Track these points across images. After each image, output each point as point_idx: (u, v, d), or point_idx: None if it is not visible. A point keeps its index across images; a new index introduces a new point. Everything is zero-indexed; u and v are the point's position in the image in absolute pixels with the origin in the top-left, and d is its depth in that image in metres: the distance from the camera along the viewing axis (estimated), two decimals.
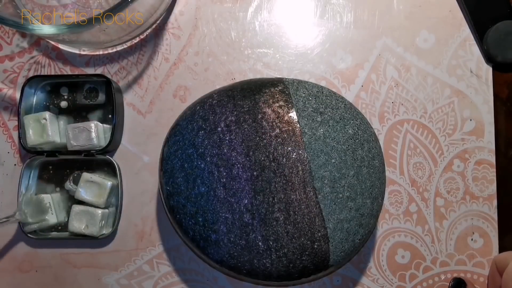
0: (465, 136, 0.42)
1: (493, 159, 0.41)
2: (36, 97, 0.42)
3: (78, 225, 0.39)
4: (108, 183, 0.40)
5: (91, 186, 0.40)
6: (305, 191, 0.34)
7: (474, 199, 0.41)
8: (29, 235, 0.40)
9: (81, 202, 0.40)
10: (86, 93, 0.42)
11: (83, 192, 0.40)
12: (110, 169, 0.41)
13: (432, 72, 0.42)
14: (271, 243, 0.33)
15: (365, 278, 0.41)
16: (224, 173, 0.34)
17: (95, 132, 0.40)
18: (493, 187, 0.41)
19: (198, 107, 0.36)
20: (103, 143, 0.40)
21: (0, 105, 0.43)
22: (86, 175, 0.40)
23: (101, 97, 0.42)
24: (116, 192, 0.41)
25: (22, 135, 0.40)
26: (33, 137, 0.40)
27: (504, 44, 0.41)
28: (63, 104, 0.42)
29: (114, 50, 0.43)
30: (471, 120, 0.42)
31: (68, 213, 0.40)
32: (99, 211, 0.39)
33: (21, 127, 0.40)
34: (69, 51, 0.43)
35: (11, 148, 0.43)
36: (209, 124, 0.35)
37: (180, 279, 0.41)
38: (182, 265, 0.41)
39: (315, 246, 0.34)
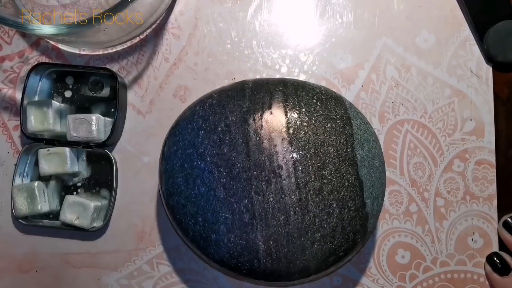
0: (465, 136, 0.42)
1: (493, 159, 0.41)
2: (41, 84, 0.42)
3: (69, 216, 0.39)
4: (92, 204, 0.39)
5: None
6: (305, 191, 0.33)
7: (474, 199, 0.41)
8: (20, 220, 0.40)
9: (74, 193, 0.41)
10: (91, 84, 0.42)
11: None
12: (107, 163, 0.41)
13: (432, 72, 0.42)
14: (271, 243, 0.33)
15: (365, 278, 0.41)
16: (224, 173, 0.34)
17: (96, 125, 0.40)
18: (493, 187, 0.41)
19: (198, 107, 0.36)
20: (103, 136, 0.40)
21: (0, 105, 0.43)
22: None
23: (106, 91, 0.42)
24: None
25: (23, 121, 0.40)
26: (34, 123, 0.40)
27: (504, 44, 0.41)
28: (68, 93, 0.42)
29: (114, 50, 0.43)
30: (471, 120, 0.42)
31: (61, 202, 0.41)
32: (92, 204, 0.39)
33: (23, 113, 0.40)
34: (69, 51, 0.43)
35: (11, 148, 0.43)
36: (209, 124, 0.35)
37: (180, 279, 0.41)
38: (182, 265, 0.41)
39: (315, 246, 0.34)
